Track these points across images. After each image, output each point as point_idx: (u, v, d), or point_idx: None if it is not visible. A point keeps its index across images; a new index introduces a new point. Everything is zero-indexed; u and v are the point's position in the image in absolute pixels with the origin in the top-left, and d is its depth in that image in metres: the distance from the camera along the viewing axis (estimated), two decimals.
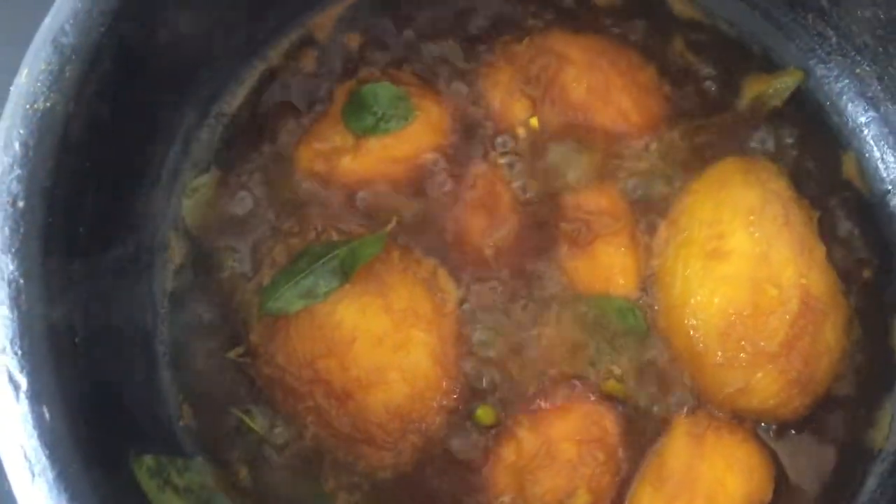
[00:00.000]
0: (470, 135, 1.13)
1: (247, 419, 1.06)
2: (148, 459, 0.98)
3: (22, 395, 0.83)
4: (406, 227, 1.10)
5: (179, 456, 1.05)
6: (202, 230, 1.12)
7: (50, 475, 0.82)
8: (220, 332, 1.09)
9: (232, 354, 1.07)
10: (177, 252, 1.11)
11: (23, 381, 0.83)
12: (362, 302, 1.04)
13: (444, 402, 1.05)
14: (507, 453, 1.05)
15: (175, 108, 1.10)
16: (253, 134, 1.14)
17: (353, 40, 1.17)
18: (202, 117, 1.13)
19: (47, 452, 0.83)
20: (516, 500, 1.03)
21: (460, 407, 1.06)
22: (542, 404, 1.05)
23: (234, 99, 1.15)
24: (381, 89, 1.11)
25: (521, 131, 1.14)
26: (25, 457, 0.82)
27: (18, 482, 0.83)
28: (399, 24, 1.17)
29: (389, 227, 1.08)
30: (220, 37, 1.09)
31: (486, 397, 1.06)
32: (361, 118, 1.11)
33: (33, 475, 0.82)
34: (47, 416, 0.83)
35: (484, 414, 1.06)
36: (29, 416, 0.83)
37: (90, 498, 0.84)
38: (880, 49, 1.11)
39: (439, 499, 1.05)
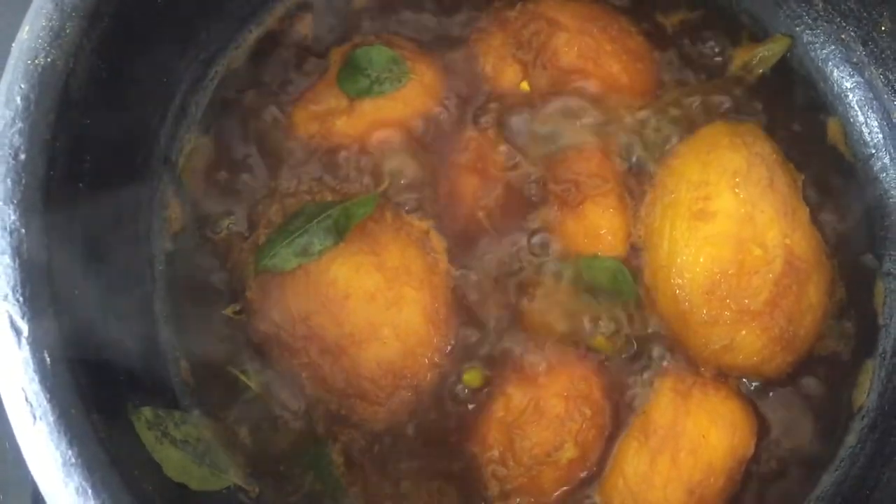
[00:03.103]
0: (462, 98, 1.14)
1: (243, 377, 1.07)
2: (146, 411, 1.00)
3: (24, 341, 0.83)
4: (399, 189, 1.10)
5: (177, 409, 1.06)
6: (199, 191, 1.12)
7: (51, 418, 0.83)
8: (217, 290, 1.10)
9: (228, 311, 1.08)
10: (175, 212, 1.12)
11: (24, 327, 0.84)
12: (356, 260, 1.05)
13: (436, 359, 1.06)
14: (497, 409, 1.05)
15: (173, 68, 1.10)
16: (249, 96, 1.14)
17: (350, 4, 1.18)
18: (199, 79, 1.14)
19: (48, 396, 0.83)
20: (505, 454, 1.04)
21: (450, 364, 1.07)
22: (531, 361, 1.06)
23: (232, 62, 1.16)
24: (375, 52, 1.12)
25: (512, 96, 1.14)
26: (27, 400, 0.83)
27: (20, 426, 0.83)
28: None
29: (382, 187, 1.09)
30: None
31: (476, 356, 1.07)
32: (356, 81, 1.12)
33: (34, 418, 0.83)
34: (48, 361, 0.84)
35: (471, 377, 1.06)
36: (30, 361, 0.83)
37: (90, 441, 0.85)
38: (864, 14, 1.12)
39: (430, 453, 1.06)
